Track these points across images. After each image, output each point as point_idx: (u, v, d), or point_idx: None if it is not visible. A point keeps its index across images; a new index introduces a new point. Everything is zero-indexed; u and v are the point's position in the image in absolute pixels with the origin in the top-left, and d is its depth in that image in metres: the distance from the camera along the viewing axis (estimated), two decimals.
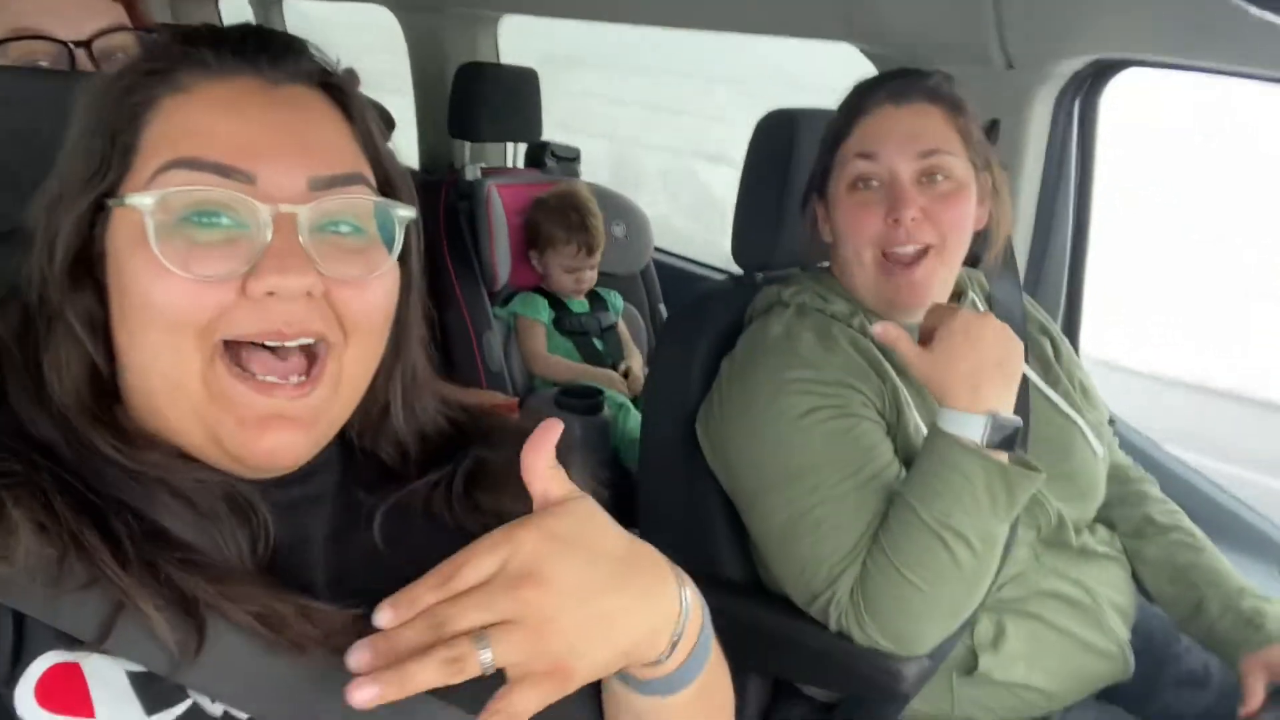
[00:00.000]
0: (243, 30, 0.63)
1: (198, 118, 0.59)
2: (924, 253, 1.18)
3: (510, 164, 2.72)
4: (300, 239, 0.58)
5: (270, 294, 0.57)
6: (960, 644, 1.17)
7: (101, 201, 0.60)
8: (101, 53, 0.97)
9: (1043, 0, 1.47)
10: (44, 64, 0.95)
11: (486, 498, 0.70)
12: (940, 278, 1.21)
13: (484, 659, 0.51)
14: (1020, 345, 1.13)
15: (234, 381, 0.58)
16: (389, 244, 0.63)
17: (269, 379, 0.59)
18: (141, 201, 0.57)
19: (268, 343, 0.59)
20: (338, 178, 0.61)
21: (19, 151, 0.69)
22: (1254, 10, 0.95)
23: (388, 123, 2.74)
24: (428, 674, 0.50)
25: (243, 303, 0.58)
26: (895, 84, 1.21)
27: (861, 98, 1.22)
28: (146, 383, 0.60)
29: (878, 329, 1.12)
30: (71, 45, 0.96)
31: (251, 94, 0.61)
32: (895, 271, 1.19)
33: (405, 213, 0.64)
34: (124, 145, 0.59)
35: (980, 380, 1.08)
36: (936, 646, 1.12)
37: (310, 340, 0.60)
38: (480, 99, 2.39)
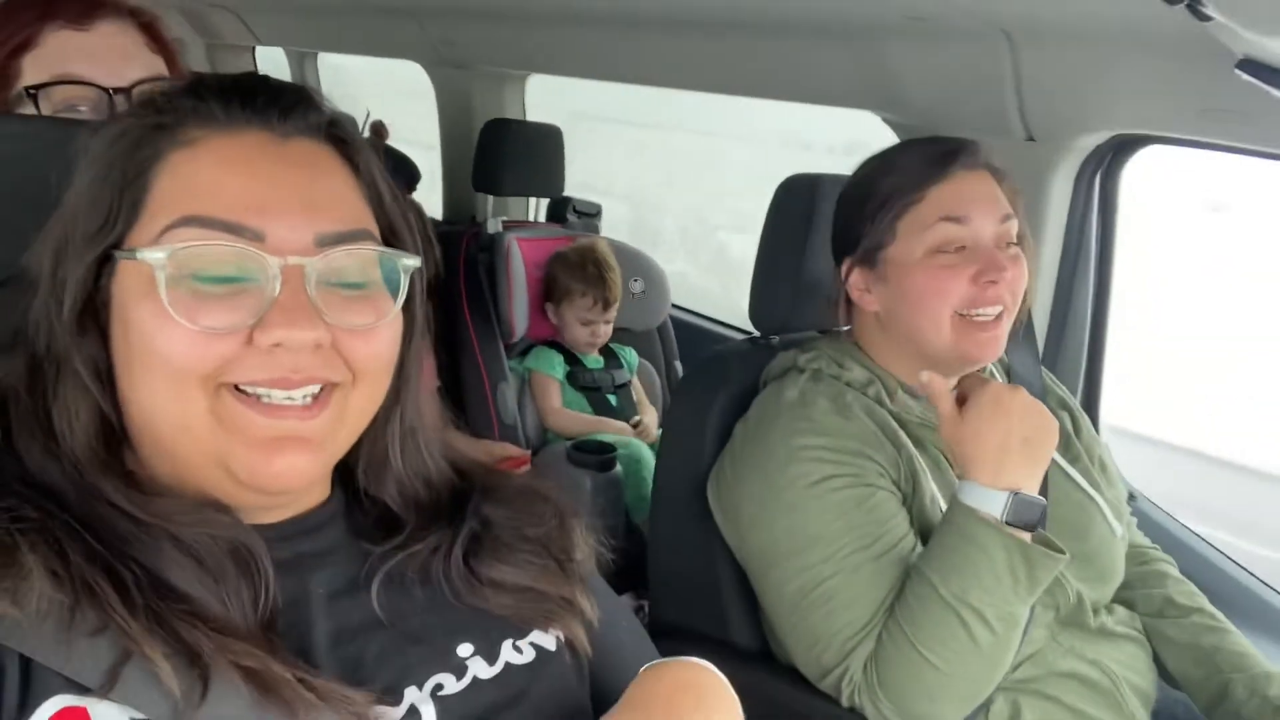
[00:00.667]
0: (252, 82, 0.64)
1: (207, 174, 0.60)
2: (1003, 311, 1.18)
3: (532, 218, 2.76)
4: (308, 291, 0.59)
5: (277, 345, 0.58)
6: None
7: (109, 253, 0.60)
8: None
9: (1063, 76, 1.49)
10: (84, 109, 0.97)
11: (484, 567, 0.70)
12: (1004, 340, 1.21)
13: None
14: (1054, 425, 1.11)
15: (242, 408, 0.59)
16: (393, 291, 0.64)
17: (275, 400, 0.60)
18: (153, 256, 0.57)
19: (275, 391, 0.59)
20: (344, 234, 0.61)
21: (21, 198, 0.69)
22: (1275, 92, 0.96)
23: (414, 177, 2.79)
24: None
25: (250, 352, 0.59)
26: (965, 150, 1.21)
27: (931, 164, 1.20)
28: (154, 426, 0.61)
29: (925, 375, 1.11)
30: (111, 92, 0.98)
31: (261, 150, 0.61)
32: (977, 329, 1.17)
33: (410, 262, 0.65)
34: (132, 198, 0.60)
35: (1005, 455, 1.06)
36: None
37: (317, 388, 0.61)
38: (504, 154, 2.43)
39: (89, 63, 0.98)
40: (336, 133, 0.65)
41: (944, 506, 1.17)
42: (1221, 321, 4.34)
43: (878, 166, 1.25)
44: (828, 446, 1.15)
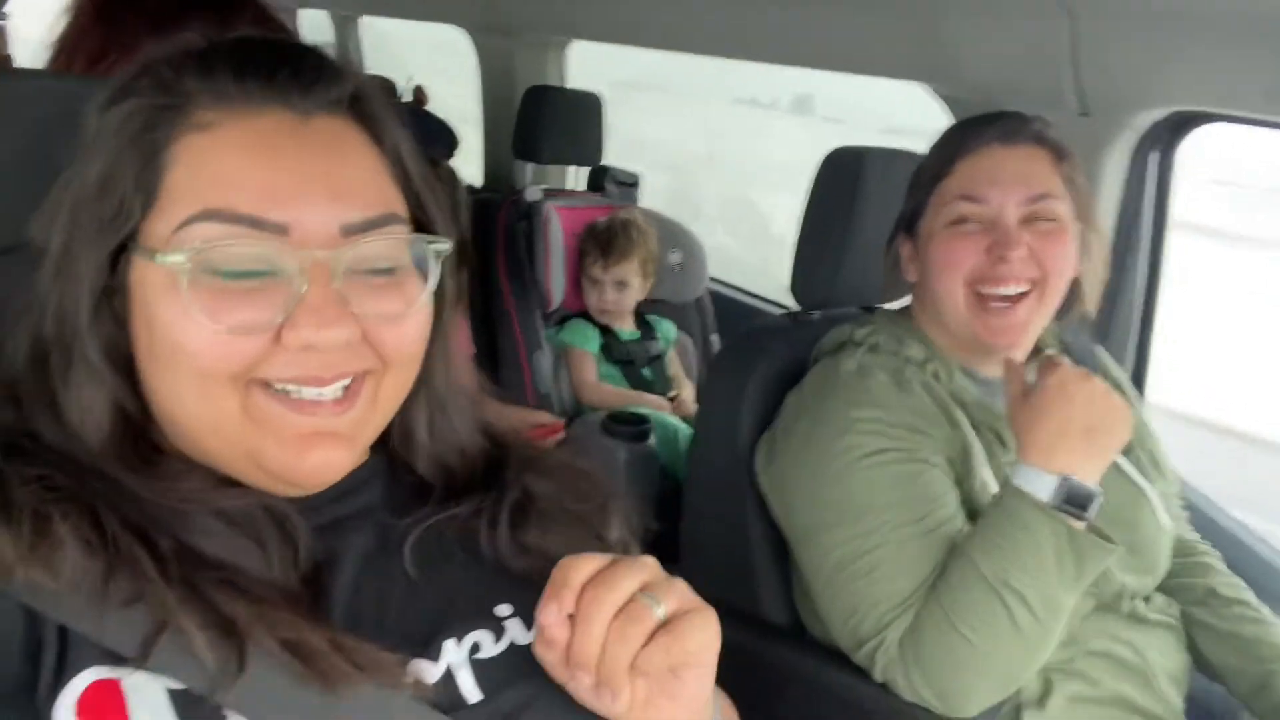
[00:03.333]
0: (267, 52, 0.59)
1: (226, 162, 0.57)
2: (1025, 293, 1.16)
3: (571, 187, 2.75)
4: (335, 285, 0.57)
5: (308, 346, 0.57)
6: (1007, 703, 1.12)
7: (124, 244, 0.58)
8: None
9: (1125, 51, 1.45)
10: None
11: (534, 537, 0.69)
12: (1037, 321, 1.18)
13: (657, 612, 0.56)
14: (1126, 419, 1.09)
15: (273, 404, 0.58)
16: (423, 273, 0.62)
17: (307, 396, 0.58)
18: (173, 259, 0.55)
19: (306, 389, 0.58)
20: (371, 220, 0.59)
21: (24, 161, 0.67)
22: None
23: (451, 145, 2.78)
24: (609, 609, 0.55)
25: (278, 350, 0.57)
26: (1004, 124, 1.19)
27: (966, 136, 1.20)
28: (182, 421, 0.60)
29: (1008, 360, 1.13)
30: None
31: (282, 133, 0.58)
32: (991, 311, 1.16)
33: (441, 246, 0.62)
34: (145, 187, 0.57)
35: (1061, 441, 1.05)
36: (983, 711, 1.08)
37: (348, 380, 0.59)
38: (545, 121, 2.42)
39: None
40: (361, 108, 0.61)
41: (994, 491, 1.15)
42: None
43: (943, 136, 1.25)
44: (884, 420, 1.14)
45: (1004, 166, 1.17)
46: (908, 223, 1.25)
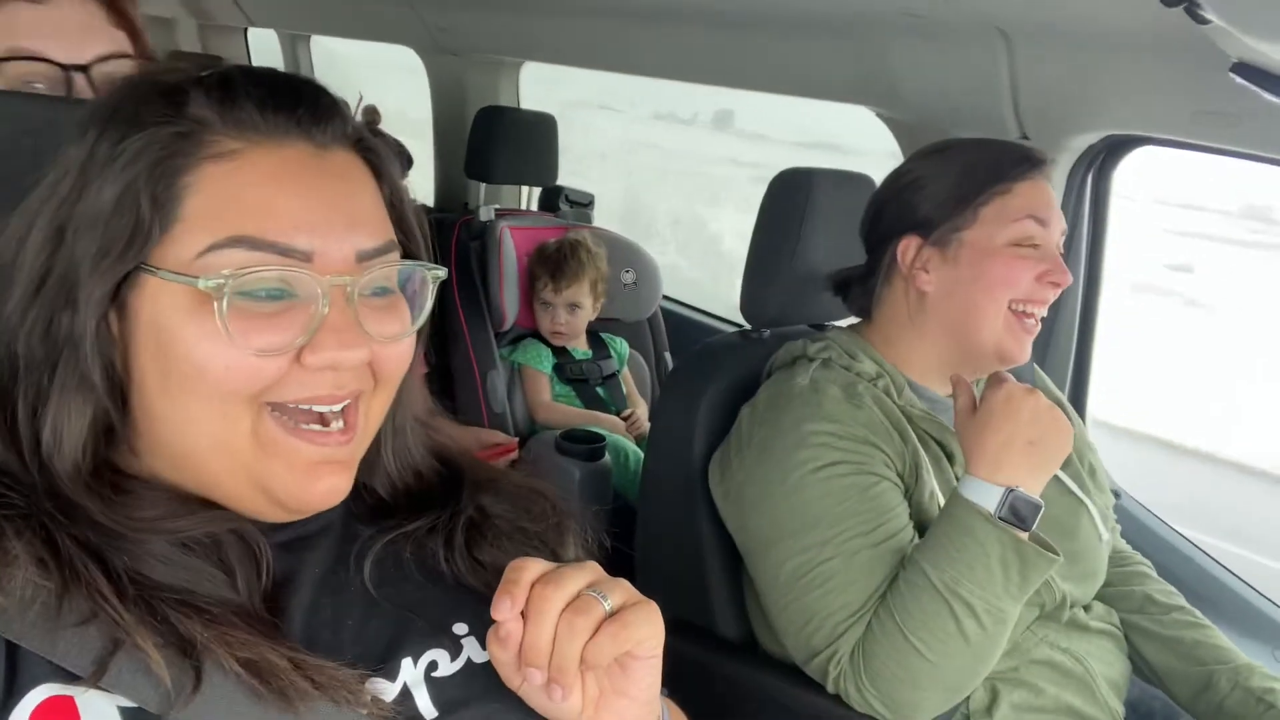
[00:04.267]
0: (289, 86, 0.62)
1: (251, 191, 0.58)
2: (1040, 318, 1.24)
3: (524, 207, 2.75)
4: (353, 309, 0.59)
5: (329, 367, 0.59)
6: (956, 712, 1.15)
7: (138, 266, 0.58)
8: (101, 79, 0.94)
9: (1058, 76, 1.50)
10: (40, 86, 0.92)
11: (489, 555, 0.70)
12: None
13: (605, 604, 0.59)
14: (1068, 434, 1.13)
15: (284, 434, 0.60)
16: (409, 296, 0.65)
17: (314, 427, 0.61)
18: (210, 284, 0.56)
19: (316, 407, 0.60)
20: (379, 248, 0.62)
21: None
22: (1266, 95, 0.96)
23: (406, 161, 2.77)
24: (558, 604, 0.58)
25: (296, 370, 0.59)
26: (1034, 154, 1.25)
27: (1016, 161, 1.24)
28: (187, 443, 0.60)
29: (955, 375, 1.17)
30: (70, 69, 0.93)
31: (302, 164, 0.60)
32: (1020, 330, 1.22)
33: (440, 273, 0.66)
34: (162, 212, 0.58)
35: (1006, 455, 1.08)
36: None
37: (350, 399, 0.62)
38: (498, 141, 2.42)
39: (47, 38, 0.93)
40: (365, 142, 0.65)
41: (942, 502, 1.18)
42: None
43: (957, 154, 1.28)
44: (836, 433, 1.17)
45: (1050, 196, 1.24)
46: (939, 234, 1.24)
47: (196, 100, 0.59)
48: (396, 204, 0.66)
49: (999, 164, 1.24)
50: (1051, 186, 1.25)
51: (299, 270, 0.58)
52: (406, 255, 0.66)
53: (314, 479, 0.61)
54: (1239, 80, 1.00)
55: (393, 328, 0.63)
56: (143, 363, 0.59)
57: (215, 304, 0.56)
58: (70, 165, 0.59)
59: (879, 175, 1.38)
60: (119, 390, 0.60)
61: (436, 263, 0.67)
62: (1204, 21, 0.84)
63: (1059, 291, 1.22)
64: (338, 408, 0.61)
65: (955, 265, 1.23)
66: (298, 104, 0.61)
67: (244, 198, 0.58)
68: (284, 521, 0.64)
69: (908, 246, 1.26)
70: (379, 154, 0.65)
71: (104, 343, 0.59)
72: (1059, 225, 1.23)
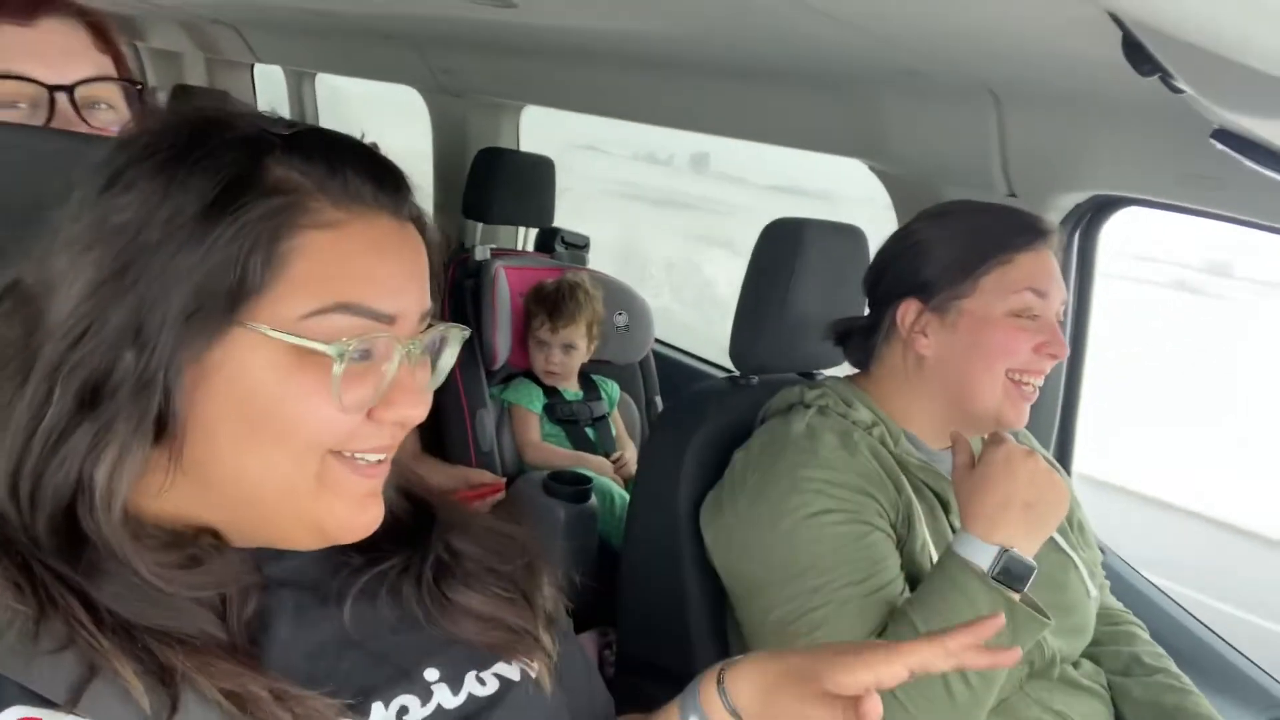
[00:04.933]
0: (376, 162, 0.65)
1: (354, 261, 0.61)
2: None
3: (520, 248, 2.77)
4: (415, 368, 0.64)
5: (398, 423, 0.64)
6: None
7: (234, 322, 0.59)
8: (84, 101, 0.95)
9: (1046, 136, 1.53)
10: (23, 106, 0.92)
11: (453, 593, 0.71)
12: None
13: None
14: (1065, 497, 1.14)
15: (346, 471, 0.63)
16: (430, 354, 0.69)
17: (369, 459, 0.65)
18: (330, 349, 0.59)
19: (372, 456, 0.64)
20: (431, 310, 0.67)
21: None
22: (1247, 162, 0.98)
23: None
24: None
25: (367, 424, 0.63)
26: (1042, 224, 1.26)
27: (1022, 231, 1.25)
28: (254, 489, 0.62)
29: (954, 432, 1.18)
30: (52, 90, 0.93)
31: (391, 235, 0.64)
32: (1019, 397, 1.23)
33: (465, 333, 0.71)
34: (269, 273, 0.59)
35: (1003, 514, 1.09)
36: None
37: None
38: (496, 182, 2.45)
39: (29, 58, 0.93)
40: (420, 216, 0.69)
41: (934, 554, 1.18)
42: None
43: (961, 220, 1.29)
44: (830, 480, 1.17)
45: (1052, 267, 1.25)
46: (939, 300, 1.25)
47: (291, 162, 0.61)
48: (435, 271, 0.70)
49: (1003, 233, 1.25)
50: (1054, 256, 1.26)
51: (390, 333, 0.62)
52: None
53: (364, 510, 0.65)
54: (1220, 146, 1.02)
55: (429, 381, 0.68)
56: (212, 411, 0.60)
57: (335, 366, 0.60)
58: (128, 204, 0.58)
59: (840, 218, 1.41)
60: (175, 436, 0.60)
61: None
62: (1178, 91, 0.86)
63: (1055, 362, 1.23)
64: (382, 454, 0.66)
65: (954, 332, 1.24)
66: (384, 178, 0.64)
67: (347, 266, 0.61)
68: (305, 549, 0.66)
69: (908, 310, 1.26)
70: (428, 226, 0.69)
71: (177, 390, 0.59)
72: (1059, 295, 1.24)
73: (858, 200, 1.88)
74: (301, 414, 0.60)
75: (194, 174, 0.58)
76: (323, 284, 0.60)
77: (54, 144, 0.82)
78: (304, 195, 0.60)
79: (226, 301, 0.58)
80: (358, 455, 0.64)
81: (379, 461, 0.65)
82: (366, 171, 0.63)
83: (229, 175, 0.59)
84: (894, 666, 0.70)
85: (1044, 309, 1.23)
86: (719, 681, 0.73)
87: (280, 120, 0.64)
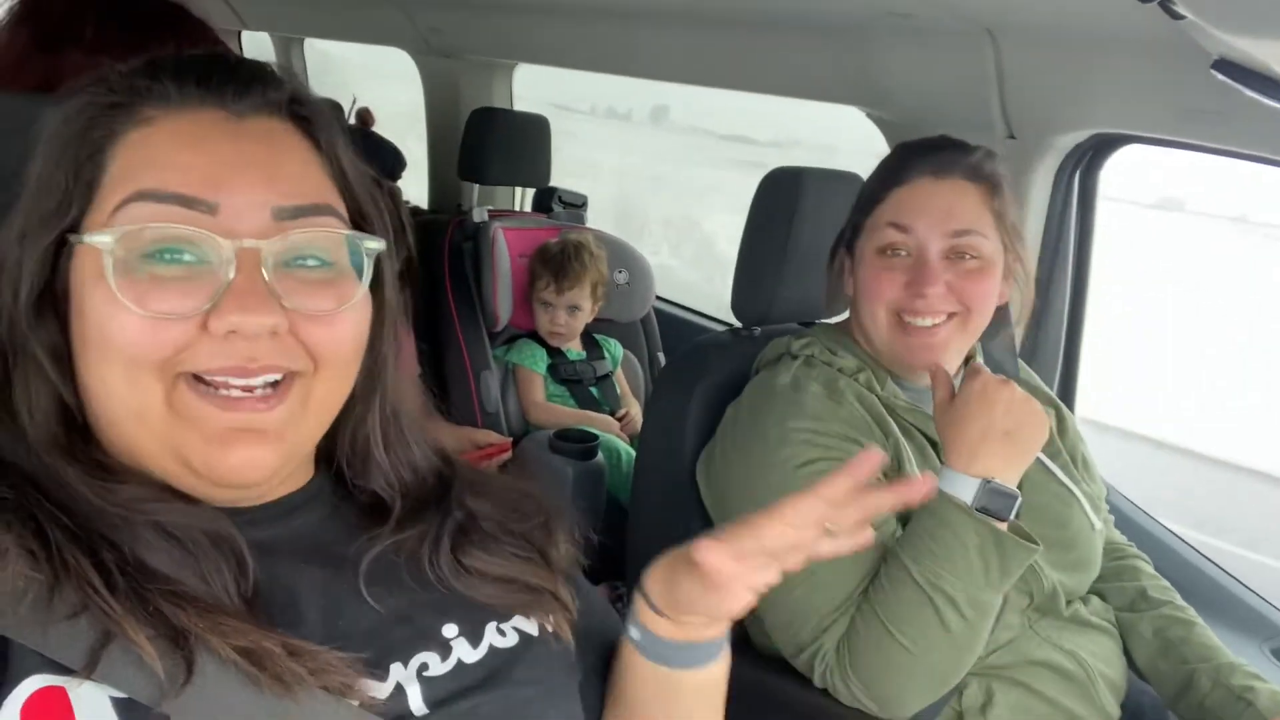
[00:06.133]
0: (208, 60, 0.62)
1: (160, 150, 0.58)
2: (944, 321, 1.21)
3: (518, 208, 2.76)
4: (264, 275, 0.57)
5: (232, 332, 0.57)
6: (948, 708, 1.16)
7: (64, 237, 0.59)
8: None
9: (1045, 75, 1.51)
10: None
11: (469, 557, 0.70)
12: (957, 344, 1.23)
13: None
14: (1044, 423, 1.14)
15: (198, 400, 0.58)
16: (360, 274, 0.63)
17: (233, 394, 0.58)
18: (101, 240, 0.56)
19: (232, 379, 0.58)
20: (304, 208, 0.60)
21: None
22: (1247, 91, 0.97)
23: (400, 163, 2.77)
24: None
25: (205, 339, 0.57)
26: (938, 158, 1.22)
27: (902, 166, 1.23)
28: (110, 412, 0.60)
29: (933, 367, 1.16)
30: None
31: (215, 126, 0.60)
32: (911, 334, 1.21)
33: (374, 244, 0.63)
34: (87, 180, 0.59)
35: (983, 445, 1.09)
36: (920, 711, 1.11)
37: (277, 376, 0.60)
38: (491, 143, 2.43)
39: None
40: (298, 110, 0.63)
41: None
42: None
43: (885, 161, 1.28)
44: (817, 430, 1.17)
45: (932, 199, 1.20)
46: (848, 241, 1.29)
47: (133, 76, 0.61)
48: (339, 174, 0.64)
49: (884, 170, 1.25)
50: (976, 186, 1.20)
51: (201, 225, 0.57)
52: (357, 228, 0.64)
53: (229, 447, 0.58)
54: (1220, 77, 1.01)
55: (320, 302, 0.60)
56: (75, 337, 0.60)
57: (104, 260, 0.56)
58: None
59: (787, 163, 1.40)
60: (69, 369, 0.60)
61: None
62: (1178, 17, 0.85)
63: (931, 301, 1.17)
64: (257, 381, 0.58)
65: (855, 275, 1.27)
66: (211, 74, 0.61)
67: (152, 156, 0.58)
68: (233, 510, 0.63)
69: (843, 255, 1.30)
70: (315, 122, 0.64)
71: (47, 318, 0.59)
72: (941, 226, 1.18)
73: (812, 147, 1.89)
74: (105, 321, 0.56)
75: (59, 116, 0.60)
76: (129, 178, 0.58)
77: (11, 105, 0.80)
78: (127, 100, 0.59)
79: (53, 215, 0.58)
80: (216, 380, 0.58)
81: (248, 393, 0.58)
82: (187, 69, 0.60)
83: (75, 107, 0.60)
84: (774, 526, 0.70)
85: (910, 243, 1.19)
86: (641, 586, 0.74)
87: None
